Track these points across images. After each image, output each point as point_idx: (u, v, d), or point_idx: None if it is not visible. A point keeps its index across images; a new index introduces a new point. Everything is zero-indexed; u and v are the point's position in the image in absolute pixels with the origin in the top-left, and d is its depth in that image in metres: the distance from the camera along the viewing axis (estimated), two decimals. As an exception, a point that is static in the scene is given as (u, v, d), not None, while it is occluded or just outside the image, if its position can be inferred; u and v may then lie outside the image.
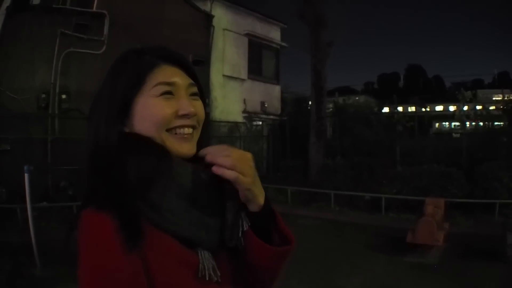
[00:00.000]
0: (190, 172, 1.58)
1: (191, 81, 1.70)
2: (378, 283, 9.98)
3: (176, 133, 1.62)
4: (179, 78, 1.65)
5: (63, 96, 17.80)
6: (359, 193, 18.58)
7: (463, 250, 12.10)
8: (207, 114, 1.81)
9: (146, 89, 1.60)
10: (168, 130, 1.60)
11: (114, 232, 1.35)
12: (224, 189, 1.64)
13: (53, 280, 8.84)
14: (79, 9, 18.51)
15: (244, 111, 28.08)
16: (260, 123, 29.76)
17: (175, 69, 1.67)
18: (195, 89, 1.71)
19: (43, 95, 17.44)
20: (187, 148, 1.63)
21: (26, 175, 9.95)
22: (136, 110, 1.60)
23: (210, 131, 1.72)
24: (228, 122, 25.39)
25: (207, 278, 1.53)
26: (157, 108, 1.58)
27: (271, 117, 30.20)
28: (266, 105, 29.79)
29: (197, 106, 1.68)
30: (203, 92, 1.78)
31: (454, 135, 30.36)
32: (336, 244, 13.46)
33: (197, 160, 1.65)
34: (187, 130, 1.64)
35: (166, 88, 1.61)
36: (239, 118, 27.43)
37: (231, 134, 25.81)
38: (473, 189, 16.50)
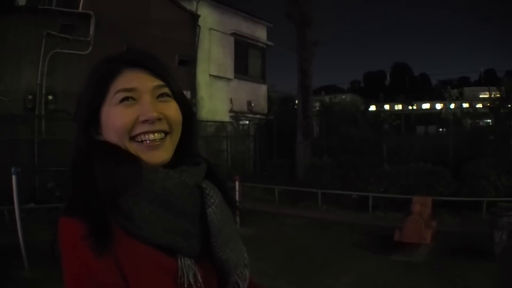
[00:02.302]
0: (161, 178, 1.55)
1: (158, 82, 1.63)
2: (366, 282, 9.98)
3: (141, 141, 1.58)
4: (140, 82, 1.60)
5: (50, 97, 17.75)
6: (346, 192, 18.60)
7: (450, 248, 12.13)
8: (192, 115, 1.79)
9: (108, 97, 1.58)
10: (132, 138, 1.58)
11: (83, 237, 1.36)
12: (204, 193, 1.64)
13: (41, 281, 8.79)
14: (65, 9, 18.42)
15: (231, 111, 28.08)
16: (247, 122, 29.78)
17: (138, 73, 1.61)
18: (164, 90, 1.65)
19: (30, 96, 17.40)
20: (153, 156, 1.59)
21: (13, 177, 9.92)
22: (101, 120, 1.60)
23: (195, 132, 1.61)
24: (215, 121, 25.39)
25: (186, 285, 1.52)
26: (116, 116, 1.56)
27: (258, 116, 30.26)
28: (252, 105, 29.83)
29: (166, 108, 1.63)
30: (177, 92, 1.71)
31: (440, 130, 30.32)
32: (324, 243, 13.46)
33: (185, 162, 1.68)
34: (152, 137, 1.59)
35: (125, 94, 1.57)
36: (225, 117, 27.43)
37: (218, 134, 25.83)
38: (460, 187, 16.53)
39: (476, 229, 13.29)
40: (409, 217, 12.05)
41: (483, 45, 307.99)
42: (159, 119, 1.59)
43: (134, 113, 1.56)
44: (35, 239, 9.76)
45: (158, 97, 1.62)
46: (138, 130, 1.57)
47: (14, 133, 16.36)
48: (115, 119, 1.55)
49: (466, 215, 15.53)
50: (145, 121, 1.56)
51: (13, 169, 9.97)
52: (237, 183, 14.46)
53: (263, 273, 9.71)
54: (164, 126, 1.61)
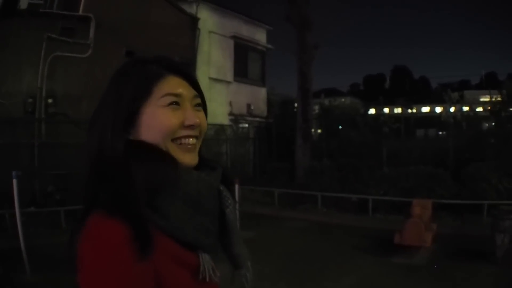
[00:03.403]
0: (195, 180, 1.61)
1: (195, 92, 1.73)
2: (367, 284, 9.96)
3: (181, 143, 1.65)
4: (184, 89, 1.68)
5: (49, 100, 17.69)
6: (346, 194, 18.55)
7: (451, 251, 12.13)
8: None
9: (153, 99, 1.62)
10: (172, 140, 1.63)
11: (128, 240, 1.36)
12: (222, 195, 1.74)
13: (43, 285, 8.81)
14: (65, 13, 18.39)
15: (230, 114, 28.04)
16: (247, 125, 29.75)
17: (181, 80, 1.70)
18: (199, 100, 1.75)
19: (30, 100, 17.34)
20: (190, 158, 1.66)
21: (14, 181, 9.90)
22: (142, 120, 1.62)
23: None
24: (214, 124, 25.28)
25: (207, 280, 1.59)
26: (165, 118, 1.61)
27: (257, 119, 30.19)
28: (252, 108, 29.80)
29: (201, 117, 1.72)
30: (206, 104, 1.81)
31: (440, 133, 30.34)
32: (324, 246, 13.46)
33: (202, 166, 1.74)
34: (191, 141, 1.67)
35: (173, 98, 1.63)
36: (225, 120, 27.40)
37: (218, 137, 25.75)
38: (460, 190, 16.49)
39: (477, 232, 13.28)
40: (409, 219, 12.04)
41: (485, 48, 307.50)
42: (197, 126, 1.69)
43: (180, 118, 1.63)
44: (36, 243, 9.79)
45: (194, 106, 1.72)
46: (181, 133, 1.65)
47: (15, 136, 16.28)
48: (164, 120, 1.61)
49: (467, 218, 15.50)
50: (189, 126, 1.65)
51: (13, 173, 9.94)
52: (236, 186, 14.39)
53: (263, 276, 9.68)
54: (197, 132, 1.71)
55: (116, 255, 1.35)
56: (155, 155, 1.57)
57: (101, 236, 1.37)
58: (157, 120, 1.60)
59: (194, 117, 1.66)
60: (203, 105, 1.78)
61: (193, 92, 1.72)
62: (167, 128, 1.60)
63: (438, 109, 48.11)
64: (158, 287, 1.41)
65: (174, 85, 1.65)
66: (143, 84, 1.62)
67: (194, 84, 1.75)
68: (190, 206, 1.56)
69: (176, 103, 1.63)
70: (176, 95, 1.64)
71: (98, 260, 1.34)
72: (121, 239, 1.35)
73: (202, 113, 1.74)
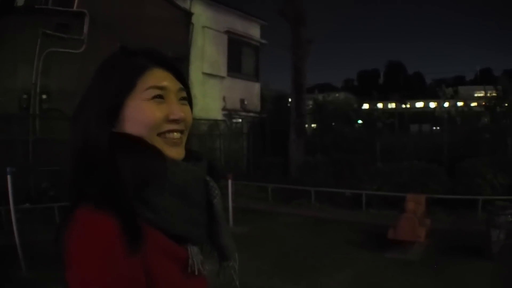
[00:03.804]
0: (183, 170, 1.60)
1: (181, 85, 1.70)
2: (360, 280, 9.93)
3: (166, 138, 1.62)
4: (170, 83, 1.65)
5: (44, 96, 17.67)
6: (340, 189, 18.53)
7: (446, 247, 12.12)
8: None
9: (137, 92, 1.59)
10: (158, 135, 1.60)
11: (117, 234, 1.34)
12: (209, 186, 1.73)
13: (38, 282, 8.78)
14: (60, 8, 18.39)
15: (224, 109, 28.10)
16: (240, 120, 29.81)
17: (166, 73, 1.67)
18: (184, 94, 1.72)
19: (25, 96, 17.32)
20: (176, 152, 1.63)
21: (8, 177, 9.91)
22: (126, 113, 1.59)
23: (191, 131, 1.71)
24: (208, 119, 25.33)
25: (196, 273, 1.58)
26: (149, 111, 1.58)
27: (251, 114, 30.25)
28: (246, 103, 29.85)
29: (186, 111, 1.69)
30: (191, 97, 1.78)
31: (434, 128, 30.42)
32: (318, 241, 13.46)
33: (188, 158, 1.71)
34: (176, 135, 1.64)
35: (158, 92, 1.61)
36: (219, 115, 27.46)
37: (211, 132, 25.80)
38: (455, 186, 16.50)
39: (472, 227, 13.29)
40: (403, 215, 12.04)
41: (480, 44, 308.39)
42: (182, 120, 1.65)
43: (164, 111, 1.60)
44: (31, 239, 9.77)
45: (179, 99, 1.69)
46: (166, 127, 1.62)
47: (9, 132, 16.29)
48: (148, 113, 1.58)
49: (461, 213, 15.51)
50: (173, 120, 1.62)
51: (8, 169, 9.97)
52: (230, 181, 14.45)
53: (258, 271, 9.70)
54: (183, 126, 1.67)
55: (106, 249, 1.33)
56: (141, 147, 1.55)
57: (89, 230, 1.35)
58: (141, 114, 1.58)
59: (179, 111, 1.63)
60: (189, 99, 1.76)
61: (178, 85, 1.69)
62: (151, 122, 1.58)
63: (432, 105, 48.18)
64: (148, 281, 1.39)
65: (159, 77, 1.63)
66: (127, 76, 1.60)
67: (180, 77, 1.73)
68: (178, 197, 1.54)
69: (160, 96, 1.61)
70: (161, 88, 1.62)
71: (88, 255, 1.32)
72: (110, 232, 1.33)
73: (187, 107, 1.72)
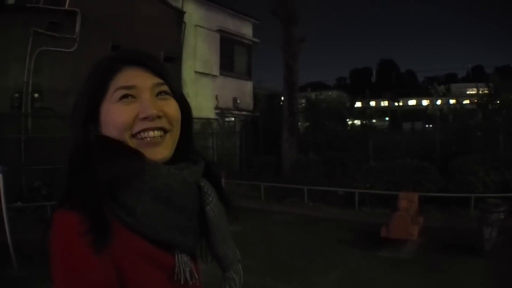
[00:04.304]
0: (164, 174, 1.55)
1: (157, 80, 1.64)
2: (353, 278, 9.95)
3: (141, 138, 1.58)
4: (139, 80, 1.61)
5: (36, 95, 17.69)
6: (333, 188, 18.52)
7: (439, 245, 12.17)
8: (191, 113, 1.82)
9: (108, 95, 1.58)
10: (134, 136, 1.58)
11: (82, 232, 1.33)
12: (203, 192, 1.69)
13: (30, 280, 8.78)
14: (52, 7, 18.38)
15: (217, 108, 28.09)
16: (233, 119, 29.84)
17: (137, 71, 1.62)
18: (163, 88, 1.66)
19: (17, 95, 17.35)
20: (152, 152, 1.58)
21: (0, 176, 9.94)
22: (101, 117, 1.59)
23: (192, 129, 1.65)
24: (201, 118, 25.27)
25: (182, 282, 1.55)
26: (116, 113, 1.56)
27: (244, 113, 30.26)
28: (238, 101, 29.89)
29: (165, 106, 1.63)
30: (176, 90, 1.72)
31: (426, 126, 30.45)
32: (310, 239, 13.47)
33: (183, 159, 1.68)
34: (151, 134, 1.59)
35: (125, 91, 1.58)
36: (211, 114, 27.43)
37: (204, 131, 25.75)
38: (447, 183, 16.52)
39: (465, 225, 13.33)
40: (396, 213, 12.07)
41: (472, 41, 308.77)
42: (159, 117, 1.60)
43: (134, 111, 1.57)
44: (23, 238, 9.75)
45: (157, 95, 1.64)
46: (138, 127, 1.57)
47: (1, 131, 16.30)
48: (115, 116, 1.56)
49: (454, 211, 15.50)
50: (144, 118, 1.57)
51: (0, 168, 9.91)
52: (222, 180, 14.43)
53: (250, 270, 9.61)
54: (163, 123, 1.61)
55: (70, 247, 1.34)
56: (116, 148, 1.53)
57: (59, 229, 1.38)
58: (110, 117, 1.57)
59: (149, 108, 1.57)
60: (174, 93, 1.71)
61: (153, 80, 1.63)
62: (119, 124, 1.56)
63: (425, 103, 48.24)
64: (122, 284, 1.39)
65: (127, 77, 1.60)
66: (99, 80, 1.60)
67: (157, 72, 1.66)
68: (160, 203, 1.51)
69: (129, 96, 1.58)
70: (128, 87, 1.58)
71: (58, 253, 1.35)
72: (74, 231, 1.34)
73: (168, 102, 1.66)
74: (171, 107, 1.65)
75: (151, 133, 1.58)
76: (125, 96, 1.57)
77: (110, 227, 1.40)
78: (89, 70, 1.65)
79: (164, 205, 1.52)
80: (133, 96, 1.58)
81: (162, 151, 1.60)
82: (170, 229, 1.53)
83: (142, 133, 1.57)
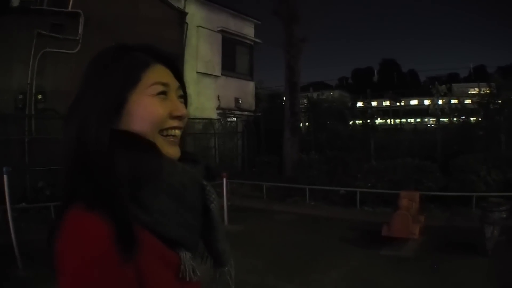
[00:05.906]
0: (180, 171, 1.55)
1: (179, 83, 1.68)
2: (355, 277, 9.94)
3: (167, 135, 1.59)
4: (171, 80, 1.64)
5: (39, 96, 17.68)
6: (334, 187, 18.54)
7: (440, 243, 12.15)
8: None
9: (141, 87, 1.55)
10: (159, 132, 1.57)
11: (111, 240, 1.27)
12: (206, 190, 1.70)
13: (35, 280, 8.79)
14: (55, 9, 18.36)
15: (219, 108, 28.15)
16: (235, 119, 29.80)
17: (167, 70, 1.65)
18: (181, 92, 1.70)
19: (20, 96, 17.34)
20: (173, 151, 1.61)
21: (5, 177, 9.97)
22: (129, 109, 1.53)
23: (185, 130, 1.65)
24: (203, 119, 25.33)
25: (188, 279, 1.52)
26: (154, 108, 1.55)
27: (246, 113, 30.31)
28: (240, 101, 29.91)
29: (184, 108, 1.67)
30: (187, 96, 1.76)
31: (428, 126, 30.42)
32: (312, 238, 13.48)
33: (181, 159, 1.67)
34: (177, 132, 1.63)
35: (162, 88, 1.58)
36: (213, 114, 27.48)
37: (206, 131, 25.81)
38: (448, 182, 16.52)
39: (466, 224, 13.28)
40: (397, 212, 12.06)
41: (474, 41, 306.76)
42: (185, 117, 1.65)
43: (167, 108, 1.58)
44: (27, 238, 9.80)
45: (178, 97, 1.67)
46: (169, 124, 1.59)
47: (5, 132, 16.34)
48: (154, 110, 1.55)
49: (455, 210, 15.46)
50: (176, 117, 1.60)
51: (4, 169, 10.03)
52: (225, 180, 14.48)
53: (252, 269, 9.73)
54: (182, 124, 1.65)
55: (98, 258, 1.25)
56: (139, 144, 1.48)
57: (80, 235, 1.28)
58: (146, 110, 1.53)
59: (183, 108, 1.62)
60: (184, 98, 1.73)
61: (177, 83, 1.67)
62: (156, 118, 1.54)
63: (427, 102, 48.13)
64: (139, 285, 1.32)
65: (162, 74, 1.60)
66: (132, 71, 1.55)
67: (178, 75, 1.70)
68: (174, 200, 1.49)
69: (164, 93, 1.58)
70: (165, 84, 1.58)
71: (78, 263, 1.25)
72: (103, 239, 1.26)
73: (183, 105, 1.68)
74: (186, 111, 1.68)
75: (177, 132, 1.62)
76: (161, 93, 1.57)
77: (136, 233, 1.33)
78: (107, 60, 1.57)
79: (177, 202, 1.50)
80: (165, 93, 1.59)
81: (178, 150, 1.63)
82: (180, 227, 1.51)
83: (170, 131, 1.59)
